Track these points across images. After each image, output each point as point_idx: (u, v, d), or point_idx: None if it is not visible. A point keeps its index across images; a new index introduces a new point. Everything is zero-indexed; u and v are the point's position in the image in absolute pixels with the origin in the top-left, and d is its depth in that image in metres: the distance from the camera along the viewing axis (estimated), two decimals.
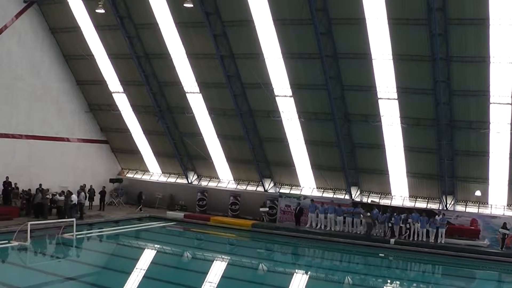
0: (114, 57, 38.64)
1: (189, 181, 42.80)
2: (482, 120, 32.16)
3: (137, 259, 28.35)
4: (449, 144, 33.36)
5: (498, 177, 34.15)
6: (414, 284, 27.77)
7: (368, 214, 35.12)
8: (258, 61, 34.69)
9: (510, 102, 30.93)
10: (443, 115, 32.09)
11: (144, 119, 41.26)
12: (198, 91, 37.85)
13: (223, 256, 31.42)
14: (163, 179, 44.20)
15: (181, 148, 41.36)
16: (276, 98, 35.94)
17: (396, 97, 33.07)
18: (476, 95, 31.45)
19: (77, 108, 41.56)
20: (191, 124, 39.77)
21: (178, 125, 40.49)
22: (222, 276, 26.28)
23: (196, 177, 43.03)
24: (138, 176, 45.02)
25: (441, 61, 30.14)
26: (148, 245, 33.53)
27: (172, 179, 43.89)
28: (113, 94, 40.90)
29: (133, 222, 37.78)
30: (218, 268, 28.49)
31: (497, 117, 31.79)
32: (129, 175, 45.24)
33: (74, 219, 30.89)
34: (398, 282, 27.88)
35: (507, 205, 34.83)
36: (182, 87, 38.15)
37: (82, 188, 37.23)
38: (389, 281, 28.09)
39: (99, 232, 34.29)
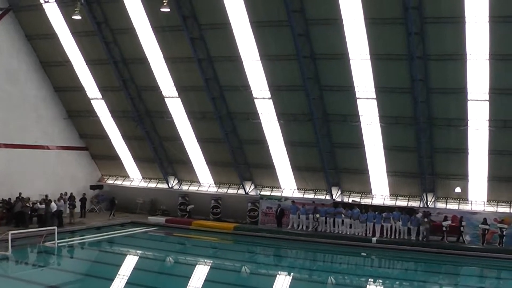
0: (91, 63, 38.39)
1: (170, 186, 42.67)
2: (460, 117, 32.35)
3: (120, 265, 28.20)
4: (428, 142, 33.55)
5: (478, 173, 34.39)
6: (397, 282, 27.92)
7: (426, 219, 34.46)
8: (236, 64, 34.64)
9: (488, 99, 31.18)
10: (421, 113, 32.28)
11: (123, 124, 41.04)
12: (177, 95, 37.74)
13: (205, 260, 31.35)
14: (143, 184, 44.03)
15: (161, 152, 41.18)
16: (255, 100, 35.96)
17: (375, 96, 33.20)
18: (453, 93, 31.68)
19: (56, 115, 41.18)
20: (170, 128, 39.64)
21: (158, 129, 40.31)
22: (205, 280, 26.24)
23: (177, 181, 42.90)
24: (119, 182, 44.80)
25: (418, 60, 30.30)
26: (130, 251, 33.24)
27: (152, 184, 43.71)
28: (91, 100, 40.63)
29: (115, 228, 37.44)
30: (201, 272, 28.44)
31: (475, 114, 31.99)
32: (110, 181, 44.95)
33: (55, 227, 30.64)
34: (381, 281, 27.95)
35: (487, 201, 35.12)
36: (161, 92, 38.03)
37: (61, 196, 36.91)
38: (372, 280, 28.20)
39: (81, 239, 34.02)
